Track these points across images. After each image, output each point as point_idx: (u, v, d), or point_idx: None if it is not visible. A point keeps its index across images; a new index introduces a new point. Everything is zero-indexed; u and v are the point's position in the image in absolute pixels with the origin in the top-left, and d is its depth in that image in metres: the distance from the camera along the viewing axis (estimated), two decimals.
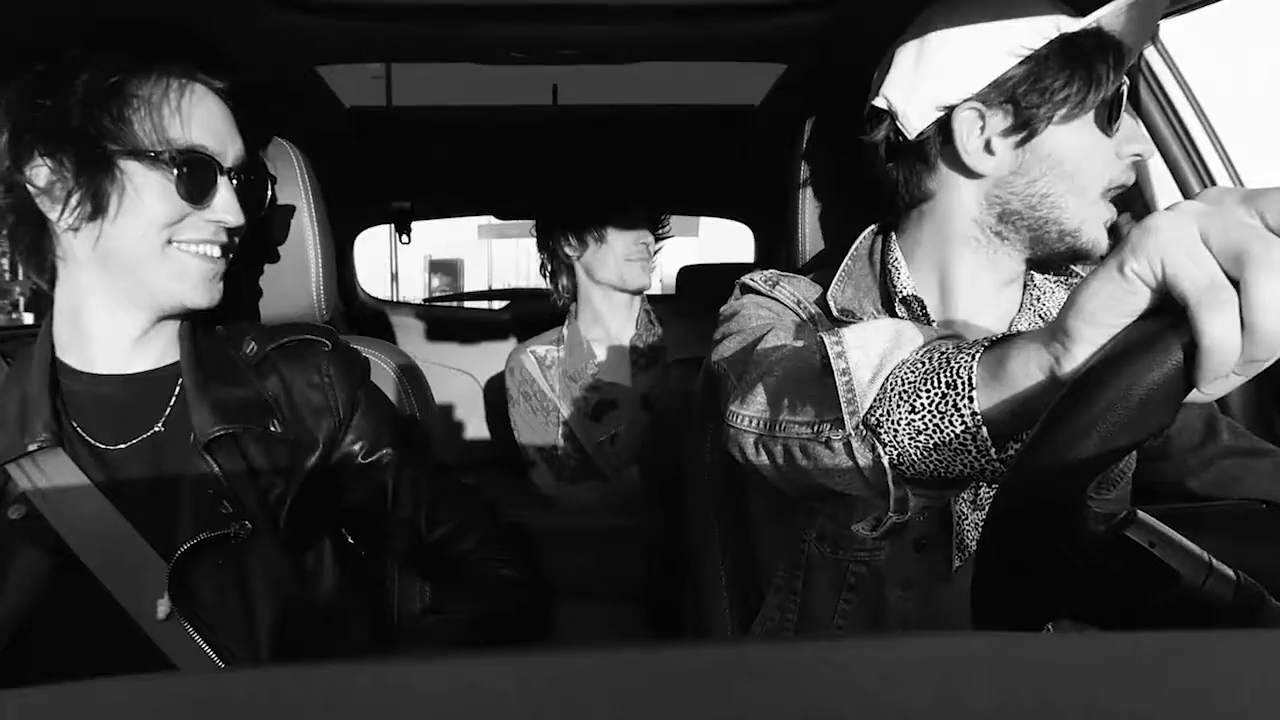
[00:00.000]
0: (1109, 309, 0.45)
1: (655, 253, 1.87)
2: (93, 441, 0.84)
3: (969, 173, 0.85)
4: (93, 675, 0.27)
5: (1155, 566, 0.41)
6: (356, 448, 0.93)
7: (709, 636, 1.14)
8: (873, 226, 0.97)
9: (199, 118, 0.84)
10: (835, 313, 0.91)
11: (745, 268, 2.56)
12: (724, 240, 3.53)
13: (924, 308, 0.87)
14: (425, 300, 4.87)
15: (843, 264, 0.95)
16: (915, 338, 0.63)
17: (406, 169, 2.21)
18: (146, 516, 0.81)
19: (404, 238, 2.56)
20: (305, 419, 0.91)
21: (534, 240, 1.90)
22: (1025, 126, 0.81)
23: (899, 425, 0.58)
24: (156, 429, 0.85)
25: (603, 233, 1.76)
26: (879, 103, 0.90)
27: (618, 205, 1.77)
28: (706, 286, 2.44)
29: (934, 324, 0.87)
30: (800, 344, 0.81)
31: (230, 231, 0.87)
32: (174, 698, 0.27)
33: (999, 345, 0.55)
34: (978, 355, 0.55)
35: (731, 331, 0.90)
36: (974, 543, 0.86)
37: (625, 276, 1.77)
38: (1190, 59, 1.23)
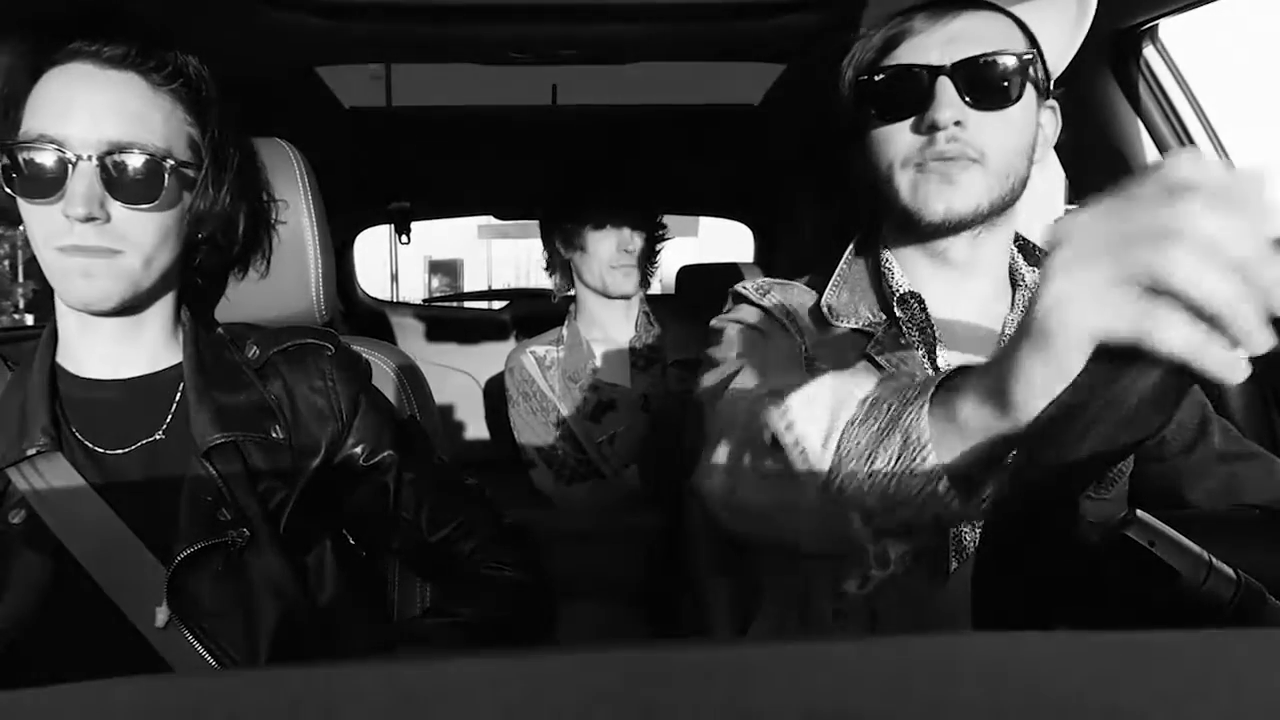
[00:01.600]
0: (1053, 385, 0.44)
1: (656, 254, 1.86)
2: (91, 446, 0.83)
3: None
4: (94, 679, 0.27)
5: (1155, 566, 0.41)
6: (358, 450, 0.93)
7: (709, 636, 1.14)
8: (859, 236, 0.98)
9: (40, 100, 0.77)
10: (832, 320, 0.91)
11: (745, 268, 2.57)
12: (724, 240, 3.53)
13: (922, 304, 0.88)
14: (425, 300, 4.87)
15: (838, 268, 0.96)
16: (857, 390, 0.62)
17: (406, 169, 2.21)
18: (146, 522, 0.80)
19: (403, 238, 2.56)
20: (308, 423, 0.90)
21: (533, 241, 1.90)
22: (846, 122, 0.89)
23: (862, 488, 0.57)
24: (157, 435, 0.85)
25: (585, 239, 1.77)
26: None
27: (601, 212, 1.76)
28: (706, 286, 2.44)
29: (932, 319, 0.87)
30: (763, 392, 0.80)
31: (89, 222, 0.76)
32: (174, 698, 0.27)
33: (944, 394, 0.54)
34: (924, 407, 0.54)
35: (715, 360, 0.91)
36: (972, 544, 0.86)
37: (608, 283, 1.76)
38: (1190, 59, 1.23)
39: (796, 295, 0.95)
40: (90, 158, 0.76)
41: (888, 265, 0.91)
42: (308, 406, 0.91)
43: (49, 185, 0.76)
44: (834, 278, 0.95)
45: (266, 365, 0.92)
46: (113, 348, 0.86)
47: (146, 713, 0.26)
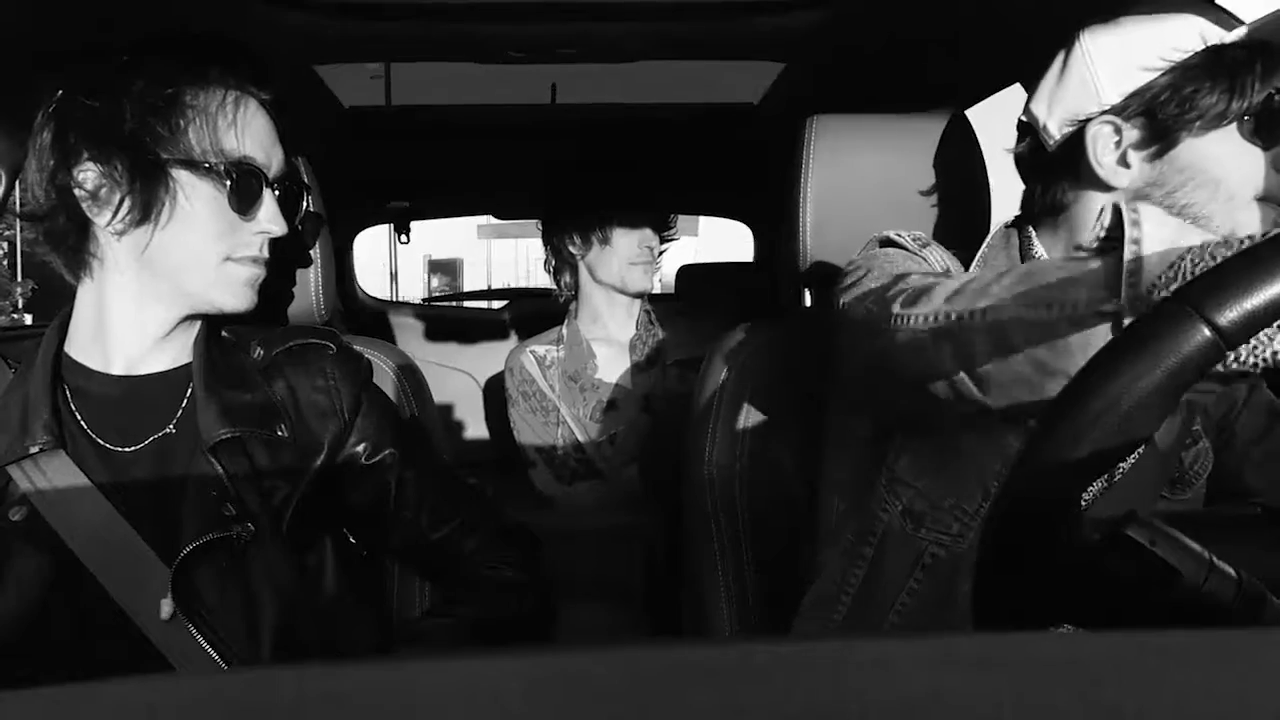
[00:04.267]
0: None
1: (660, 254, 1.86)
2: (101, 442, 0.84)
3: (1104, 186, 0.85)
4: (94, 677, 0.27)
5: (1156, 565, 0.41)
6: (360, 449, 0.94)
7: (708, 636, 1.14)
8: (1005, 221, 0.96)
9: (250, 130, 0.86)
10: None
11: (745, 267, 2.57)
12: (724, 239, 3.53)
13: None
14: (424, 300, 4.88)
15: (980, 252, 0.93)
16: (1202, 238, 0.60)
17: (405, 168, 2.21)
18: (149, 519, 0.81)
19: (403, 237, 2.56)
20: (311, 422, 0.91)
21: (532, 240, 1.89)
22: (1161, 138, 0.81)
23: None
24: (166, 431, 0.85)
25: (607, 234, 1.75)
26: (1023, 115, 0.91)
27: (625, 207, 1.75)
28: (706, 286, 2.44)
29: None
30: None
31: (273, 241, 0.89)
32: (174, 698, 0.27)
33: None
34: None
35: (875, 275, 0.87)
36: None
37: (627, 280, 1.75)
38: None
39: (949, 258, 0.93)
40: (274, 184, 0.88)
41: (1040, 257, 0.89)
42: (310, 405, 0.92)
43: (248, 204, 0.86)
44: (980, 254, 0.93)
45: (270, 365, 0.92)
46: (155, 346, 0.87)
47: (147, 712, 0.26)
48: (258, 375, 0.91)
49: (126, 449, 0.84)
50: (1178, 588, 0.41)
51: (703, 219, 3.51)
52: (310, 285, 1.05)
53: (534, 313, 2.42)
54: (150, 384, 0.87)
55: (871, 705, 0.24)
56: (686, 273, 2.52)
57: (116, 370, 0.87)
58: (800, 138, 1.07)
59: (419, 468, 0.97)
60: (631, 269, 1.75)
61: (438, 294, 11.23)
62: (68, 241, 0.84)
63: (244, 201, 0.85)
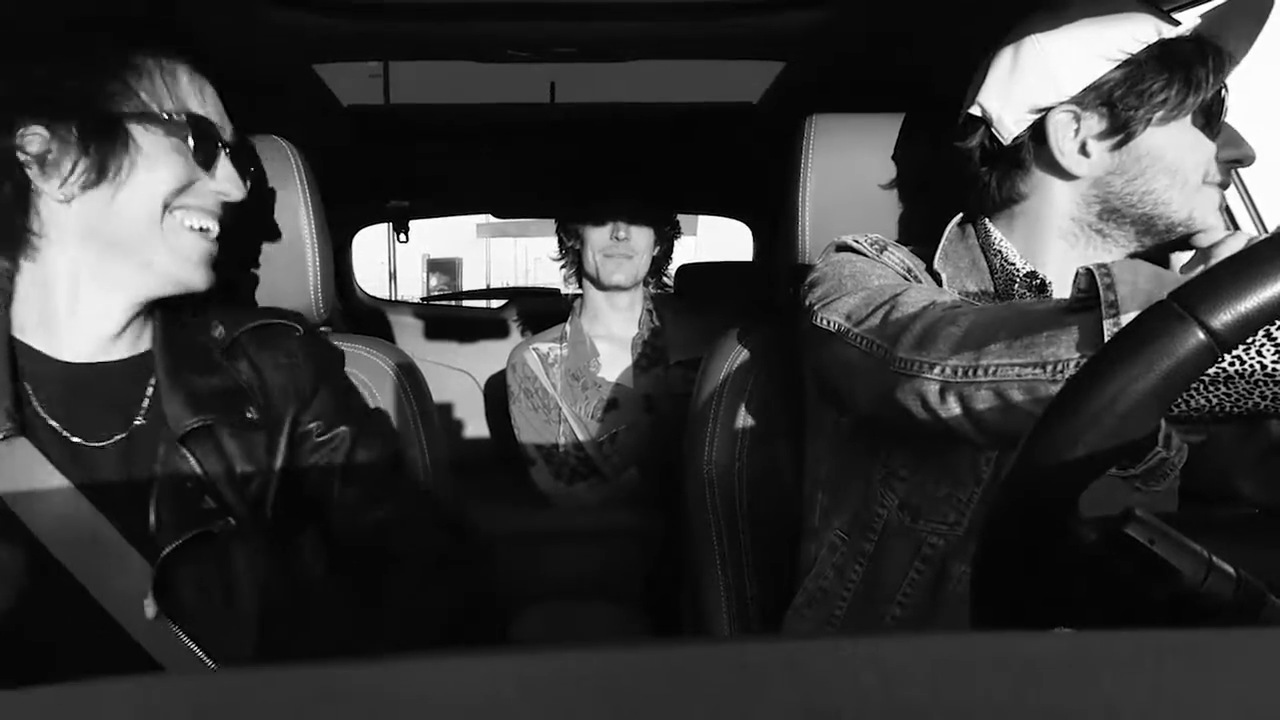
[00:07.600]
0: None
1: (667, 253, 1.88)
2: (65, 434, 0.80)
3: (1064, 174, 0.87)
4: (77, 675, 0.27)
5: (1155, 564, 0.41)
6: (313, 426, 0.92)
7: (708, 636, 1.14)
8: (956, 219, 0.97)
9: (208, 94, 0.87)
10: (946, 286, 0.90)
11: (745, 266, 2.57)
12: (723, 239, 3.53)
13: (1044, 287, 0.86)
14: (423, 299, 4.87)
15: (940, 246, 0.95)
16: (1177, 281, 0.62)
17: (404, 167, 2.20)
18: (124, 513, 0.78)
19: (402, 236, 2.56)
20: (275, 402, 0.90)
21: (532, 239, 1.92)
22: (1122, 129, 0.83)
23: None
24: (135, 424, 0.82)
25: (583, 228, 1.80)
26: (974, 110, 0.92)
27: (595, 200, 1.79)
28: (706, 285, 2.44)
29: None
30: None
31: (227, 206, 0.87)
32: (173, 698, 0.27)
33: None
34: None
35: (845, 290, 0.87)
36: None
37: (600, 271, 1.78)
38: None
39: (908, 256, 0.93)
40: (227, 149, 0.88)
41: (1003, 245, 0.90)
42: (275, 385, 0.90)
43: (209, 160, 0.86)
44: (938, 254, 0.94)
45: (233, 345, 0.91)
46: (114, 333, 0.84)
47: (145, 712, 0.26)
48: (220, 355, 0.89)
49: (94, 444, 0.81)
50: (1177, 587, 0.41)
51: (703, 218, 3.50)
52: (308, 284, 1.05)
53: (533, 312, 2.42)
54: (111, 372, 0.84)
55: (871, 705, 0.24)
56: (686, 271, 2.51)
57: (71, 357, 0.82)
58: (799, 137, 1.07)
59: (369, 451, 0.95)
60: (605, 261, 1.77)
61: (436, 293, 11.23)
62: (8, 213, 0.79)
63: (204, 156, 0.84)
